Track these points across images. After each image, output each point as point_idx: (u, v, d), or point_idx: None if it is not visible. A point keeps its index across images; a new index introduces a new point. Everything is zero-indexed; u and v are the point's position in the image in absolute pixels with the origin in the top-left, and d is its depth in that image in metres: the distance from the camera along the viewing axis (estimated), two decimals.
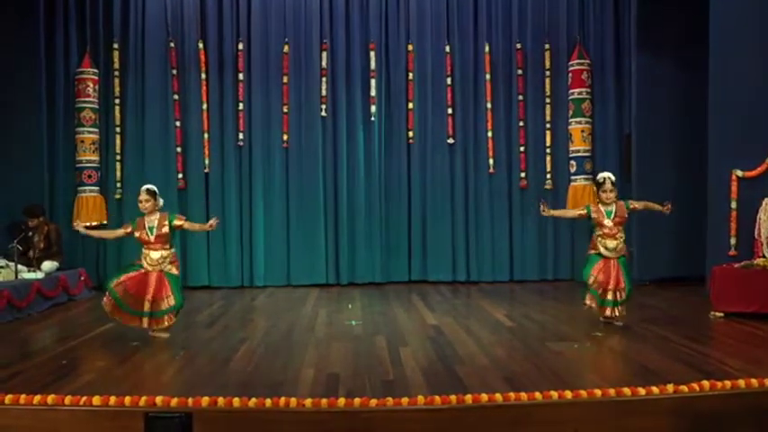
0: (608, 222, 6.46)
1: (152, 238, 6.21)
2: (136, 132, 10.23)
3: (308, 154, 10.32)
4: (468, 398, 4.03)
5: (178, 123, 10.25)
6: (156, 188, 6.42)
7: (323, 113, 10.32)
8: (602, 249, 6.47)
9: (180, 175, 10.21)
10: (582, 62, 10.29)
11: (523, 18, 10.54)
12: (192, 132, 10.26)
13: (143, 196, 6.29)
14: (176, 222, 6.32)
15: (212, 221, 6.37)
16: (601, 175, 6.66)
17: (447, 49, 10.45)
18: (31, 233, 8.75)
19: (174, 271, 6.28)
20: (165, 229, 6.24)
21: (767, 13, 7.58)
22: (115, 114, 10.21)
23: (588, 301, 6.57)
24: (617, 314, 6.47)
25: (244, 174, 10.32)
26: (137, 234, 6.27)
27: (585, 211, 6.64)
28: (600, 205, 6.55)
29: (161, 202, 6.40)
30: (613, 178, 6.57)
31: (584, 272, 6.56)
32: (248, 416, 3.95)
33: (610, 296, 6.41)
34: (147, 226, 6.24)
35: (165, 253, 6.23)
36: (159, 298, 6.14)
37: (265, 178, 10.31)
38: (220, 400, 3.99)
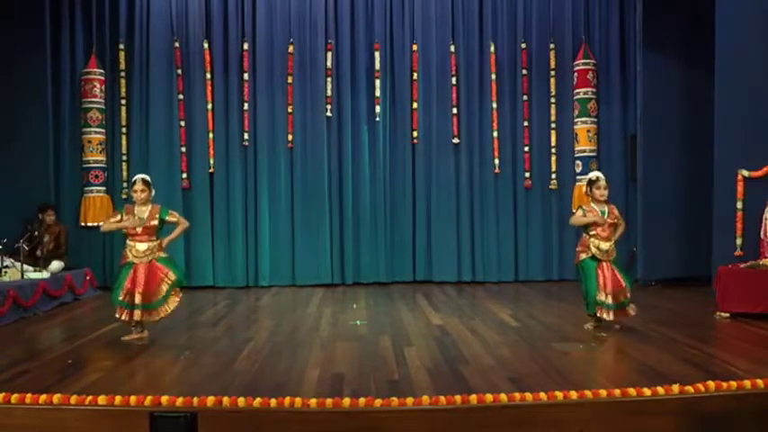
0: (602, 222, 6.31)
1: (139, 230, 6.12)
2: (141, 132, 10.26)
3: (312, 154, 10.33)
4: (473, 398, 4.02)
5: (183, 123, 10.27)
6: (149, 178, 6.32)
7: (328, 113, 10.33)
8: (594, 250, 6.28)
9: (184, 175, 10.23)
10: (587, 62, 10.28)
11: (528, 18, 10.54)
12: (196, 132, 10.28)
13: (139, 186, 6.16)
14: (170, 218, 6.22)
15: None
16: (594, 174, 6.52)
17: (452, 48, 10.46)
18: (37, 233, 8.79)
19: (163, 255, 6.19)
20: (155, 222, 6.14)
21: None
22: (121, 115, 10.24)
23: (590, 325, 6.40)
24: (630, 314, 6.33)
25: (249, 174, 10.33)
26: (125, 224, 6.14)
27: (582, 213, 6.45)
28: (593, 204, 6.39)
29: (153, 192, 6.29)
30: (604, 177, 6.44)
31: (590, 287, 6.26)
32: (253, 416, 3.95)
33: (620, 298, 6.26)
34: (136, 216, 6.13)
35: (151, 244, 6.13)
36: (156, 285, 6.05)
37: (270, 178, 10.32)
38: (225, 400, 3.99)
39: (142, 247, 6.12)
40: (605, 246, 6.31)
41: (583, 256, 6.38)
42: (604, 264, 6.30)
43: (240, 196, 10.31)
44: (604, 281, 6.24)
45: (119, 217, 6.22)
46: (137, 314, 6.06)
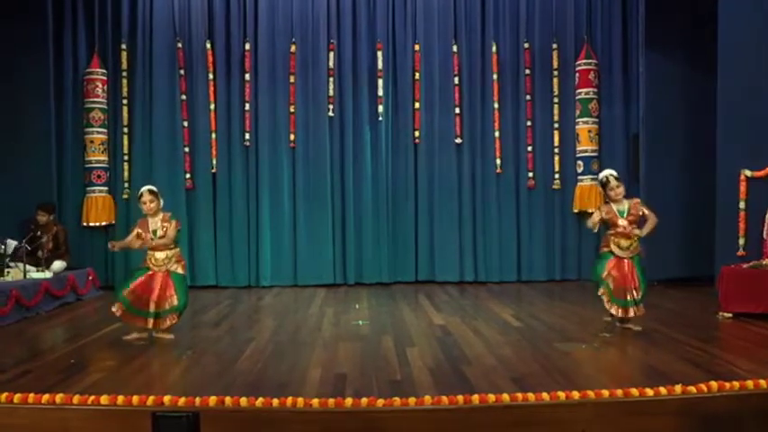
0: (622, 222, 6.26)
1: (156, 241, 6.11)
2: (143, 133, 10.27)
3: (315, 154, 10.33)
4: (476, 398, 4.01)
5: (186, 123, 10.28)
6: (156, 188, 6.28)
7: (330, 113, 10.33)
8: (614, 248, 6.29)
9: (188, 176, 10.24)
10: (589, 62, 10.27)
11: (531, 17, 10.53)
12: (199, 132, 10.29)
13: (147, 197, 6.14)
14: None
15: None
16: (602, 175, 6.43)
17: (454, 48, 10.45)
18: (39, 233, 8.79)
19: (180, 270, 6.19)
20: (164, 231, 6.13)
21: None
22: (123, 115, 10.25)
23: (607, 316, 6.36)
24: (633, 314, 6.28)
25: (251, 174, 10.34)
26: (137, 244, 6.16)
27: (597, 213, 6.42)
28: (612, 204, 6.34)
29: (161, 202, 6.26)
30: (615, 174, 6.35)
31: (597, 269, 6.36)
32: (255, 416, 3.95)
33: (627, 296, 6.23)
34: (150, 228, 6.14)
35: (169, 253, 6.15)
36: (163, 298, 6.07)
37: (272, 178, 10.32)
38: (228, 400, 3.99)
39: (161, 255, 6.13)
40: (625, 243, 6.29)
41: (605, 250, 6.41)
42: (625, 261, 6.28)
43: (242, 196, 10.32)
44: (618, 272, 6.23)
45: (132, 236, 6.19)
46: (150, 322, 6.06)
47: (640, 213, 6.33)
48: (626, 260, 6.30)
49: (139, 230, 6.17)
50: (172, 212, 6.38)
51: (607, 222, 6.37)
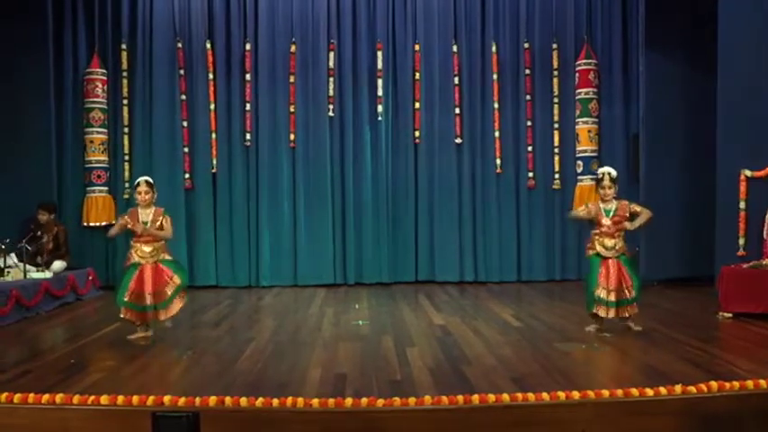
0: (606, 221, 6.25)
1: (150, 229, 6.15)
2: (144, 133, 10.27)
3: (315, 154, 10.33)
4: (476, 398, 4.02)
5: (186, 123, 10.28)
6: (152, 180, 6.34)
7: (330, 113, 10.33)
8: (599, 248, 6.25)
9: (187, 175, 10.24)
10: (589, 62, 10.27)
11: (531, 17, 10.53)
12: (199, 132, 10.29)
13: (143, 188, 6.20)
14: (163, 222, 6.20)
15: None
16: (600, 171, 6.43)
17: (454, 48, 10.45)
18: (39, 233, 8.80)
19: (168, 257, 6.22)
20: (158, 224, 6.17)
21: None
22: (123, 115, 10.25)
23: (590, 326, 6.32)
24: (629, 314, 6.27)
25: (251, 174, 10.34)
26: (129, 226, 6.18)
27: (583, 208, 6.49)
28: (599, 203, 6.34)
29: (156, 195, 6.30)
30: (614, 174, 6.30)
31: (590, 282, 6.26)
32: (255, 416, 3.96)
33: (621, 296, 6.20)
34: (140, 219, 6.16)
35: (156, 245, 6.17)
36: (162, 285, 6.09)
37: (272, 178, 10.32)
38: (228, 400, 3.99)
39: (148, 248, 6.16)
40: (609, 243, 6.25)
41: (590, 252, 6.36)
42: (610, 261, 6.23)
43: (242, 196, 10.32)
44: (607, 278, 6.19)
45: (124, 220, 6.23)
46: (149, 316, 6.11)
47: (627, 215, 6.28)
48: (612, 260, 6.24)
49: (128, 219, 6.19)
50: (168, 209, 6.40)
51: (593, 220, 6.36)
